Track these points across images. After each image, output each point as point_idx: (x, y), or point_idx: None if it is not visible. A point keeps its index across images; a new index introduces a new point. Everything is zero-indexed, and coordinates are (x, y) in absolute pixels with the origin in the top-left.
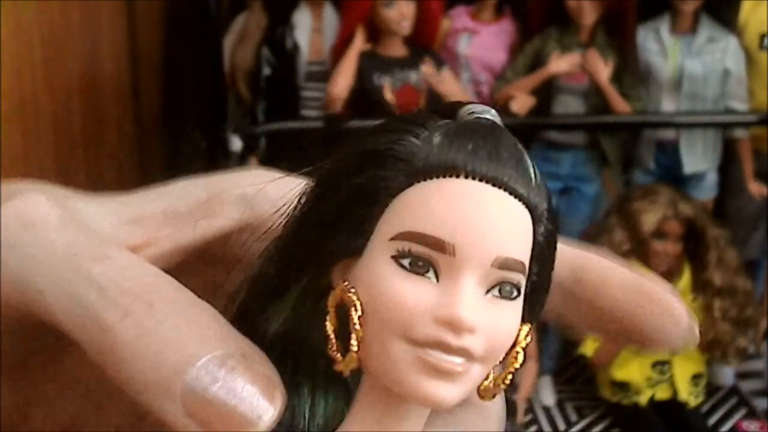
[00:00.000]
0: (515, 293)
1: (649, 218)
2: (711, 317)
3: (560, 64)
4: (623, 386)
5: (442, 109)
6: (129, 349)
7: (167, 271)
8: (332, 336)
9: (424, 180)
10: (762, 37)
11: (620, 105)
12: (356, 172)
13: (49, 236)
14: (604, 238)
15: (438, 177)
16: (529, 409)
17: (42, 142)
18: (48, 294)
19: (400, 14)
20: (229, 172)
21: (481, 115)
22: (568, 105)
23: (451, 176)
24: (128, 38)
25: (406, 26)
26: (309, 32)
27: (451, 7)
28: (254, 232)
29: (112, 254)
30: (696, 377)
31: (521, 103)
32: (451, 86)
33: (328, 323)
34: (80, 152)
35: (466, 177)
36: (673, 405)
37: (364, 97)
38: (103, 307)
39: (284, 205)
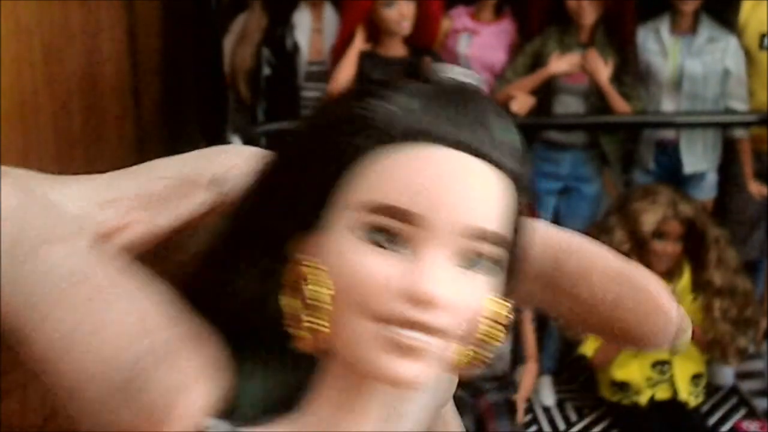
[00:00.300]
0: (489, 265)
1: (649, 218)
2: (711, 317)
3: (560, 64)
4: (623, 386)
5: (419, 70)
6: (64, 342)
7: (142, 255)
8: (292, 312)
9: (392, 145)
10: (762, 37)
11: (620, 105)
12: (322, 136)
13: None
14: (604, 238)
15: (407, 142)
16: (529, 409)
17: (42, 142)
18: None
19: (400, 14)
20: (204, 151)
21: (459, 78)
22: (568, 105)
23: (421, 142)
24: (128, 38)
25: (406, 26)
26: (309, 32)
27: (451, 7)
28: (224, 211)
29: (56, 246)
30: (696, 377)
31: (521, 103)
32: None
33: (288, 299)
34: (80, 152)
35: (437, 143)
36: (673, 405)
37: None
38: (43, 298)
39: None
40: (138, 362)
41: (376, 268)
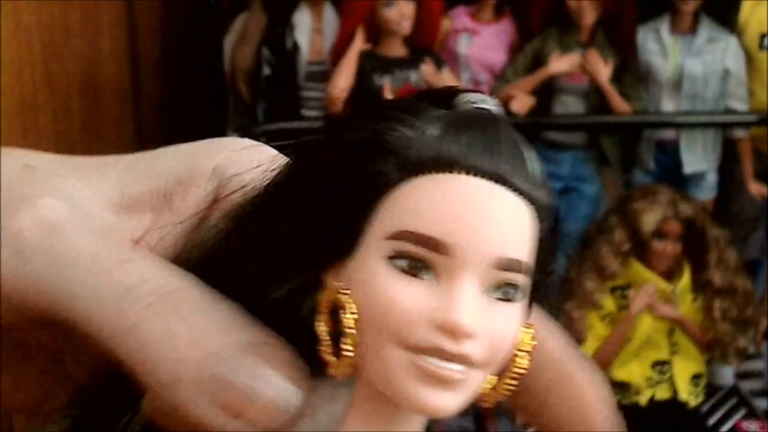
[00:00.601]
0: (517, 295)
1: (649, 218)
2: (711, 317)
3: (560, 64)
4: (623, 386)
5: (436, 96)
6: (156, 347)
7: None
8: (326, 338)
9: (419, 175)
10: (762, 37)
11: (620, 105)
12: (345, 162)
13: (74, 242)
14: (604, 238)
15: (434, 172)
16: None
17: (42, 142)
18: (78, 299)
19: (400, 14)
20: (202, 143)
21: (479, 105)
22: (568, 105)
23: (447, 171)
24: (128, 38)
25: (406, 26)
26: (309, 32)
27: (451, 7)
28: (223, 206)
29: (132, 256)
30: (696, 377)
31: (521, 103)
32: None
33: (321, 325)
34: (80, 152)
35: (464, 172)
36: (673, 405)
37: (364, 97)
38: (131, 308)
39: (259, 179)
40: (226, 365)
41: (409, 296)
